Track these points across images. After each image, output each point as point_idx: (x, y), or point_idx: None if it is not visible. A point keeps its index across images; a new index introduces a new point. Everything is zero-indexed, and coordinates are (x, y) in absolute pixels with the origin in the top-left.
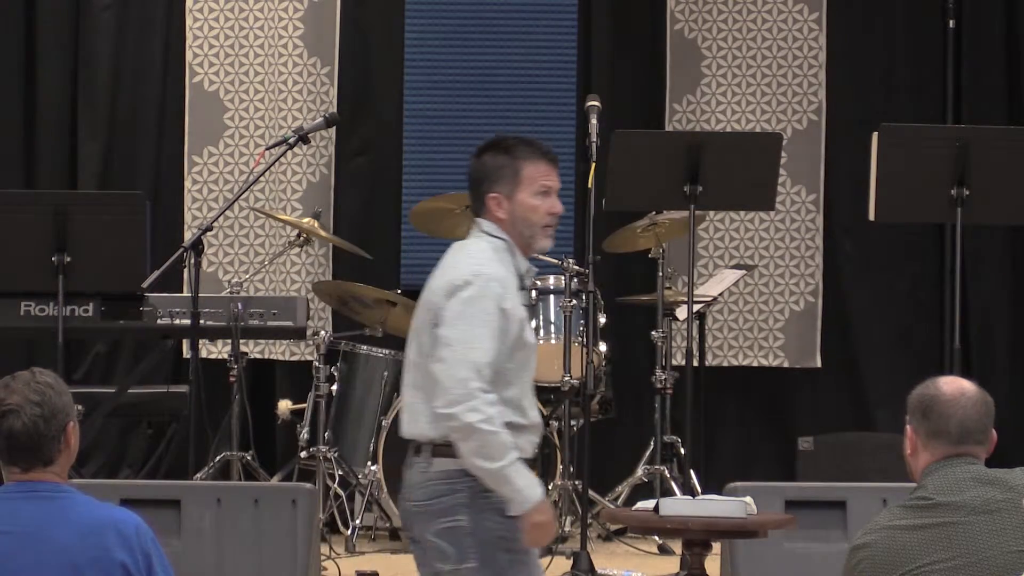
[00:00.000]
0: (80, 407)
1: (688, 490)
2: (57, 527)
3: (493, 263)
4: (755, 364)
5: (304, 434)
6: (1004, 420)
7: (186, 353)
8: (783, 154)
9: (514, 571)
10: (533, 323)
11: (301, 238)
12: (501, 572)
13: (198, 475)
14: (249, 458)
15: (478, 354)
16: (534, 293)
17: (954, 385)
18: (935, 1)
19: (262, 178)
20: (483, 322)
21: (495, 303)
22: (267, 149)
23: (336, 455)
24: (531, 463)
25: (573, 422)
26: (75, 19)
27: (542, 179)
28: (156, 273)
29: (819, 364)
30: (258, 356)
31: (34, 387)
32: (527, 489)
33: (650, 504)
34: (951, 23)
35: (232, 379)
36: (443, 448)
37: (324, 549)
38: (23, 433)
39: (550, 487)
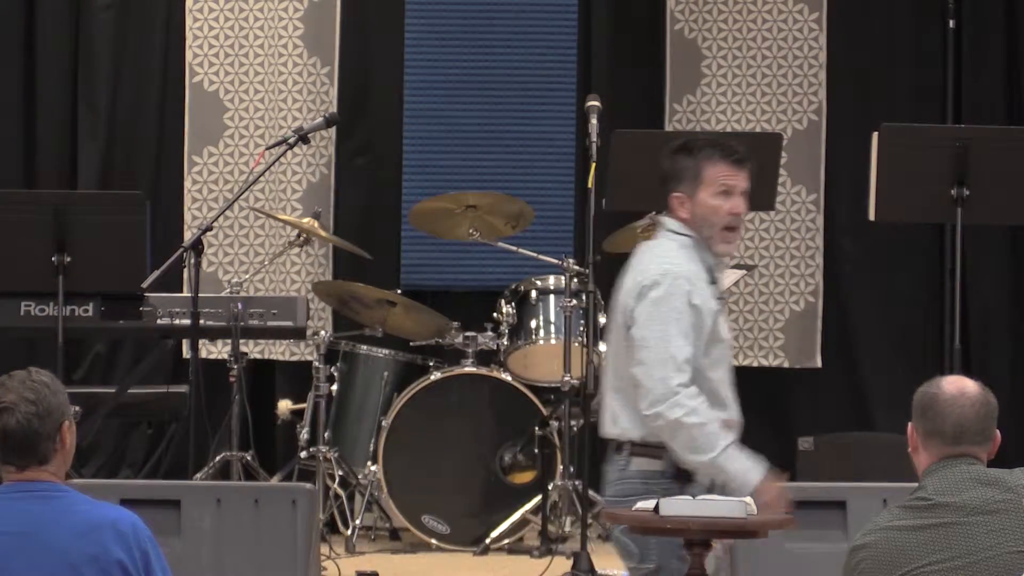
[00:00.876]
0: (78, 408)
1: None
2: (54, 527)
3: (681, 260)
4: (755, 364)
5: (304, 434)
6: (1004, 420)
7: (186, 353)
8: (783, 154)
9: None
10: (533, 323)
11: (301, 238)
12: None
13: (198, 475)
14: (249, 458)
15: (674, 351)
16: (534, 293)
17: (956, 385)
18: (935, 1)
19: (262, 178)
20: (675, 320)
21: (684, 300)
22: (267, 149)
23: (336, 455)
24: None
25: (573, 422)
26: (75, 19)
27: (723, 179)
28: (156, 273)
29: (819, 364)
30: (258, 356)
31: (29, 385)
32: (744, 474)
33: (650, 504)
34: (951, 23)
35: (232, 379)
36: (642, 448)
37: (324, 549)
38: (17, 431)
39: (550, 487)
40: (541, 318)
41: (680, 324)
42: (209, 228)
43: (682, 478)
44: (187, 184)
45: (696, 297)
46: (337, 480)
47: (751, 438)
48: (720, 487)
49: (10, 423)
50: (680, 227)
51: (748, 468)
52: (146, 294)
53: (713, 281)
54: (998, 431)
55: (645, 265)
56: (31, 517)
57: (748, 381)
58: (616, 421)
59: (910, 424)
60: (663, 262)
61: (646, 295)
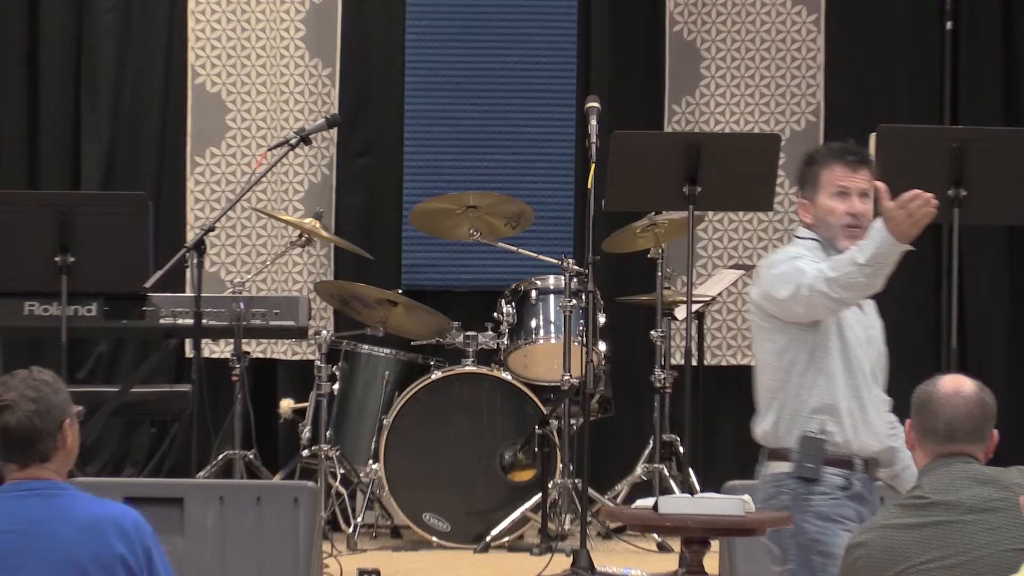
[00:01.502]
0: (81, 408)
1: (687, 488)
2: (57, 524)
3: (797, 251)
4: (754, 363)
5: (306, 433)
6: (1000, 420)
7: (189, 352)
8: (781, 155)
9: (827, 575)
10: (533, 323)
11: (303, 238)
12: (815, 574)
13: (201, 473)
14: (251, 456)
15: (798, 273)
16: (534, 293)
17: (952, 384)
18: (933, 3)
19: (264, 179)
20: (791, 264)
21: (795, 257)
22: (269, 150)
23: (338, 453)
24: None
25: (573, 421)
26: (78, 21)
27: (838, 181)
28: (159, 273)
29: None
30: (260, 355)
31: (31, 384)
32: (879, 246)
33: (649, 502)
34: (948, 25)
35: (234, 378)
36: (774, 452)
37: (326, 547)
38: (18, 428)
39: (550, 485)
40: (541, 318)
41: (794, 264)
42: (212, 228)
43: (808, 480)
44: (190, 185)
45: None
46: (339, 478)
47: (749, 438)
48: (881, 261)
49: (11, 421)
50: (805, 232)
51: (869, 246)
52: (149, 294)
53: None
54: (996, 431)
55: (765, 268)
56: (34, 515)
57: (747, 380)
58: (756, 426)
59: (908, 421)
60: (777, 260)
61: (760, 281)
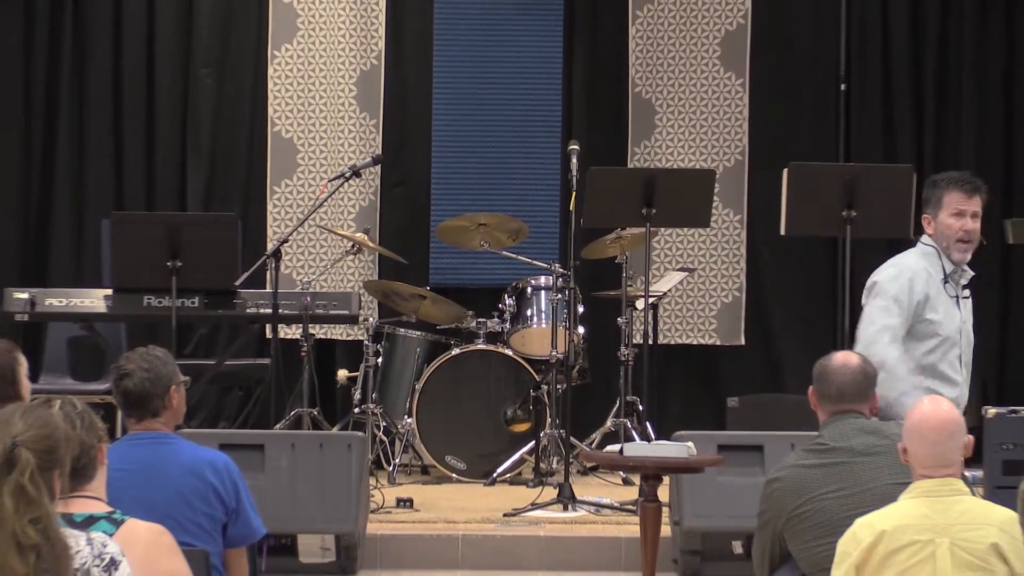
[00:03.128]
0: (187, 377)
1: (645, 437)
2: (165, 465)
3: (912, 259)
4: (695, 342)
5: (357, 395)
6: None
7: (268, 334)
8: (716, 184)
9: None
10: (528, 312)
11: (355, 248)
12: None
13: (277, 426)
14: (316, 413)
15: (879, 323)
16: (529, 289)
17: (842, 358)
18: (831, 70)
19: (325, 203)
20: (879, 306)
21: (890, 288)
22: (329, 181)
23: (381, 411)
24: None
25: (559, 386)
26: (184, 85)
27: (957, 204)
28: (246, 274)
29: (743, 342)
30: (322, 336)
31: (146, 357)
32: None
33: (616, 448)
34: (843, 87)
35: (303, 354)
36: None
37: (372, 481)
38: (134, 390)
39: (541, 435)
40: (535, 308)
41: (879, 307)
42: (286, 240)
43: None
44: (269, 207)
45: (916, 284)
46: (382, 429)
47: (692, 399)
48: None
49: (129, 385)
50: (926, 240)
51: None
52: (238, 290)
53: (946, 281)
54: (877, 393)
55: (882, 267)
56: (148, 458)
57: (689, 355)
58: None
59: (810, 388)
60: (893, 261)
61: (868, 290)
